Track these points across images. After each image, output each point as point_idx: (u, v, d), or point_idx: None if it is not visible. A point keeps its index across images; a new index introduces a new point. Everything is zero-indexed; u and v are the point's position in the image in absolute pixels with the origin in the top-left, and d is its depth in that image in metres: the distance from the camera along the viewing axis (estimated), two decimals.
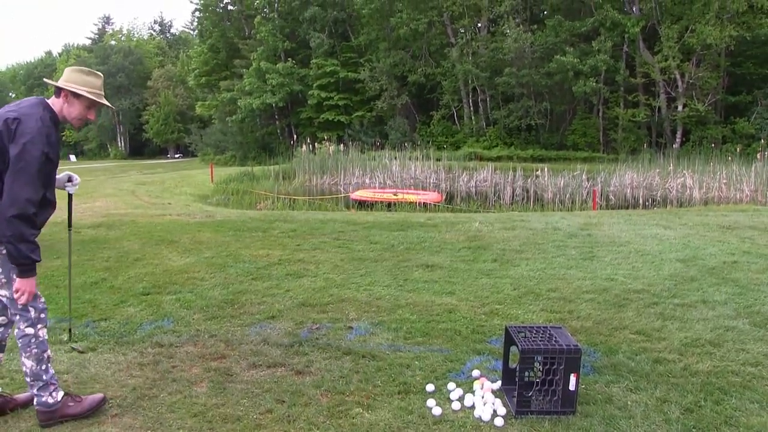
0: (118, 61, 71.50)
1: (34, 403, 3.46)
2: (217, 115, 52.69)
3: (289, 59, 45.70)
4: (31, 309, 3.38)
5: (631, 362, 4.30)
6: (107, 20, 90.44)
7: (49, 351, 3.49)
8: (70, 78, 3.47)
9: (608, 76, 35.07)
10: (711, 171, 20.87)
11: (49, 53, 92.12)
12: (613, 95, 36.18)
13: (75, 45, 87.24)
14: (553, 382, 3.55)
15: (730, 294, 5.96)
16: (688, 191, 19.42)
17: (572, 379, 3.52)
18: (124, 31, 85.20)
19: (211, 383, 4.00)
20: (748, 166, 20.57)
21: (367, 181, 23.16)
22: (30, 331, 3.39)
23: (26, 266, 3.20)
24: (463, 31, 40.93)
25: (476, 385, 3.88)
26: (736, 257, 7.55)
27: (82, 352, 4.05)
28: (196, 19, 57.33)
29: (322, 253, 8.02)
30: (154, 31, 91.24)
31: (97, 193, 18.04)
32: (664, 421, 3.48)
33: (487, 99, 40.56)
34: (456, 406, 3.67)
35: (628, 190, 20.53)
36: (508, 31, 36.92)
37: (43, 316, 3.44)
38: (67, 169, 4.16)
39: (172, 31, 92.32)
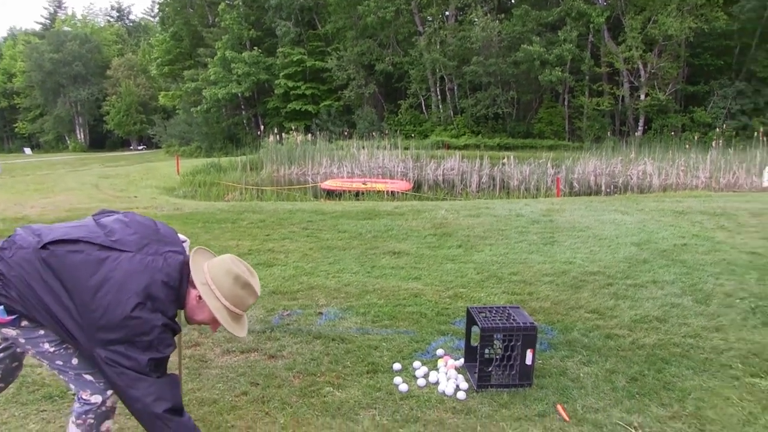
0: (73, 48, 68.95)
1: None
2: (181, 105, 52.07)
3: (255, 48, 45.40)
4: (86, 375, 2.57)
5: (584, 338, 4.61)
6: (59, 4, 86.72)
7: (110, 423, 2.67)
8: (218, 279, 2.60)
9: (574, 65, 35.62)
10: (670, 158, 21.49)
11: None
12: (578, 84, 36.76)
13: (23, 29, 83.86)
14: (511, 357, 3.82)
15: (678, 274, 6.32)
16: (648, 178, 19.98)
17: (529, 354, 3.80)
18: (79, 17, 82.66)
19: (187, 369, 4.16)
20: (704, 153, 21.27)
21: (336, 170, 23.32)
22: (97, 399, 2.57)
23: None
24: (430, 19, 41.16)
25: (440, 363, 4.14)
26: (686, 240, 7.93)
27: None
28: (156, 6, 56.46)
29: (291, 243, 8.21)
30: (111, 17, 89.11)
31: (58, 187, 17.73)
32: (611, 389, 3.79)
33: (455, 88, 40.86)
34: (421, 382, 3.92)
35: (592, 178, 21.03)
36: (475, 20, 37.24)
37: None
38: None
39: (131, 17, 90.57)
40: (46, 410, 3.63)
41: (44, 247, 2.45)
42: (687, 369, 4.07)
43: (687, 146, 23.71)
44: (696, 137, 27.45)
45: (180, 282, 2.55)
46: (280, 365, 4.23)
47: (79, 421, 2.57)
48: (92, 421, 2.57)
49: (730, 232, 8.50)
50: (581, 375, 3.99)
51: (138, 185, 19.20)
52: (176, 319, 2.59)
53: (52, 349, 2.50)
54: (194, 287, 2.58)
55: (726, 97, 32.75)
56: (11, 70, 75.56)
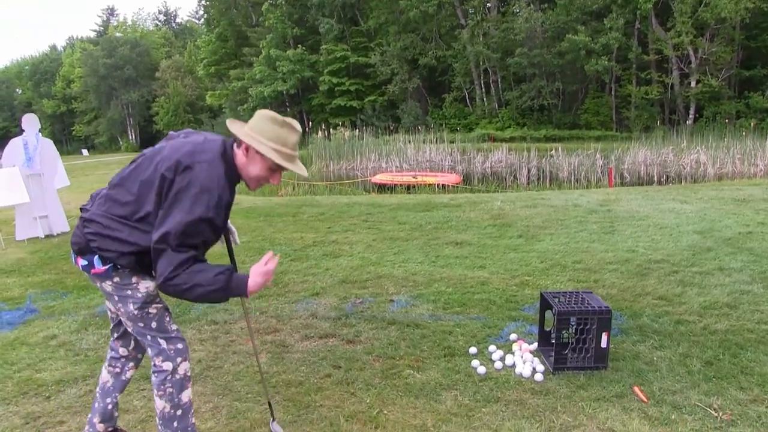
0: (125, 53, 71.25)
1: None
2: (228, 104, 53.03)
3: (299, 46, 45.83)
4: (161, 341, 2.82)
5: (654, 324, 4.67)
6: (111, 12, 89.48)
7: (190, 392, 2.91)
8: (257, 125, 2.69)
9: (620, 53, 35.02)
10: (725, 146, 20.88)
11: (53, 47, 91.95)
12: (625, 73, 36.17)
13: (80, 38, 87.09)
14: (586, 340, 3.91)
15: (746, 262, 6.30)
16: (702, 167, 19.50)
17: (604, 337, 3.89)
18: (129, 22, 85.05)
19: (269, 354, 4.38)
20: (762, 140, 20.67)
21: (384, 165, 23.37)
22: (168, 366, 2.81)
23: (228, 294, 2.61)
24: (473, 12, 40.91)
25: (515, 347, 4.26)
26: (751, 228, 7.88)
27: None
28: (201, 8, 57.48)
29: (353, 235, 8.42)
30: (159, 21, 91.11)
31: None
32: (687, 372, 3.85)
33: (499, 80, 40.63)
34: (498, 365, 4.05)
35: (642, 168, 20.64)
36: (518, 10, 36.93)
37: (181, 346, 2.86)
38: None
39: (178, 20, 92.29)
40: (145, 389, 3.89)
41: (112, 187, 2.79)
42: (764, 354, 4.10)
43: (743, 133, 23.03)
44: (752, 124, 26.52)
45: (224, 150, 2.70)
46: (359, 350, 4.41)
47: (160, 392, 2.81)
48: (171, 389, 2.80)
49: None
50: (655, 358, 4.07)
51: None
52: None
53: (135, 312, 2.77)
54: (239, 146, 2.71)
55: None
56: (70, 77, 78.94)
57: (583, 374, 3.87)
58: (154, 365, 2.82)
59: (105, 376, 3.11)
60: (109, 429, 3.14)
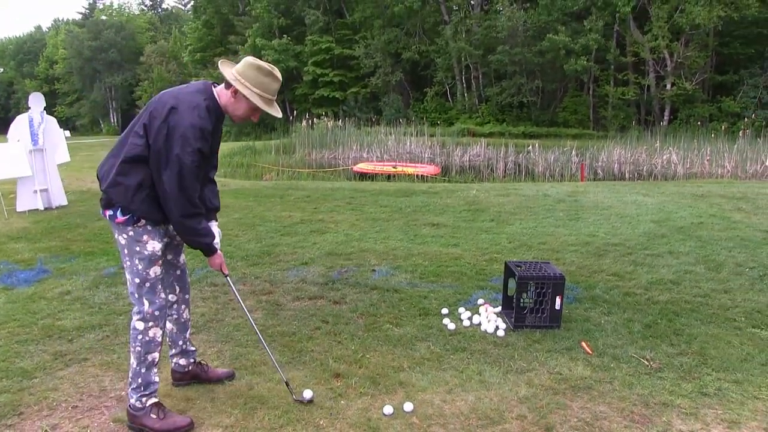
0: (110, 36, 71.14)
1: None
2: None
3: (285, 36, 46.22)
4: (146, 302, 3.15)
5: (605, 295, 5.31)
6: None
7: (156, 354, 3.23)
8: (245, 73, 3.09)
9: (599, 54, 35.83)
10: (696, 148, 21.59)
11: (38, 28, 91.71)
12: (603, 73, 37.04)
13: (65, 20, 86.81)
14: (542, 302, 4.54)
15: (693, 247, 6.98)
16: (672, 167, 20.16)
17: (558, 300, 4.51)
18: (115, 6, 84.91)
19: (265, 311, 4.96)
20: (731, 143, 21.34)
21: (365, 155, 23.89)
22: (140, 326, 3.16)
23: (202, 250, 3.24)
24: (456, 8, 41.53)
25: (482, 309, 4.88)
26: (703, 219, 8.56)
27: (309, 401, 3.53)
28: None
29: (338, 215, 9.02)
30: (145, 6, 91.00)
31: None
32: (628, 332, 4.49)
33: (480, 76, 41.33)
34: (466, 323, 4.67)
35: (616, 166, 21.27)
36: (501, 9, 37.57)
37: (158, 313, 3.18)
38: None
39: (164, 6, 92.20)
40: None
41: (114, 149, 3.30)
42: (695, 320, 4.75)
43: (713, 136, 23.79)
44: (723, 127, 27.36)
45: (205, 89, 3.13)
46: (344, 309, 5.01)
47: (131, 348, 3.19)
48: (139, 348, 3.16)
49: (747, 214, 9.09)
50: (602, 322, 4.70)
51: None
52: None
53: (140, 268, 3.12)
54: (227, 87, 3.12)
55: (757, 87, 32.65)
56: (53, 58, 78.52)
57: (539, 332, 4.48)
58: (132, 320, 3.17)
59: (168, 326, 3.52)
60: (191, 361, 3.67)
